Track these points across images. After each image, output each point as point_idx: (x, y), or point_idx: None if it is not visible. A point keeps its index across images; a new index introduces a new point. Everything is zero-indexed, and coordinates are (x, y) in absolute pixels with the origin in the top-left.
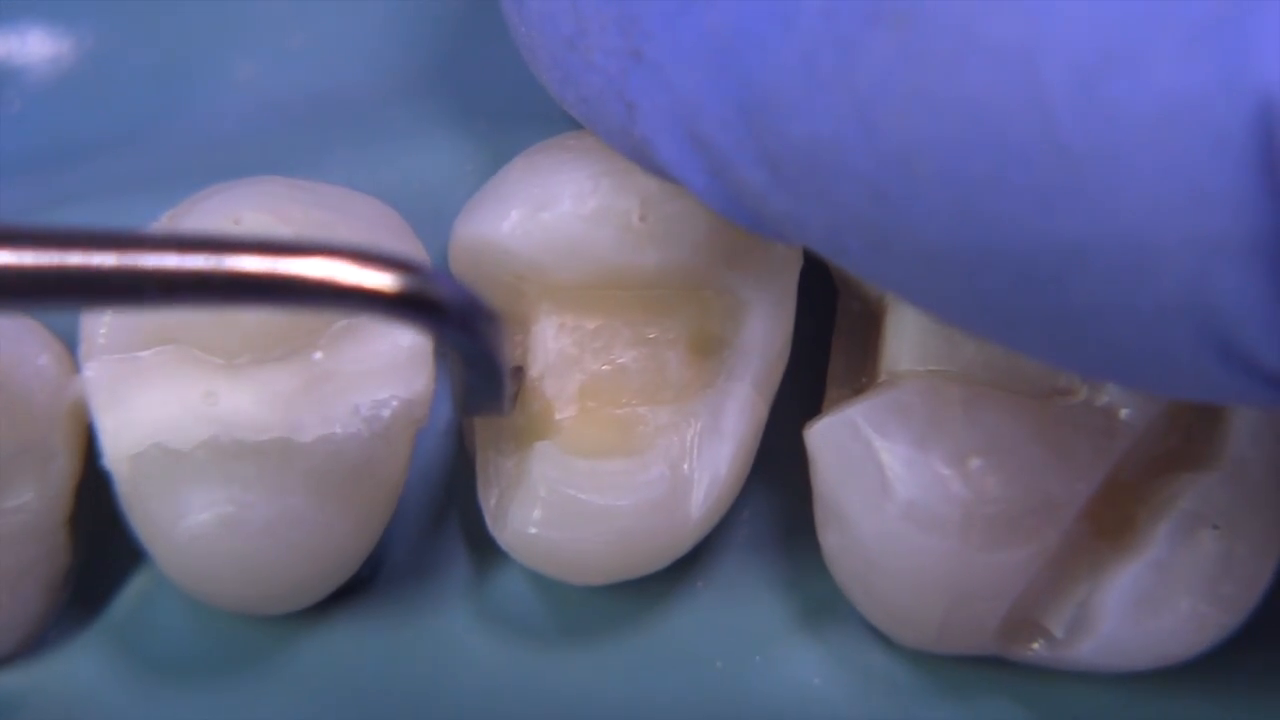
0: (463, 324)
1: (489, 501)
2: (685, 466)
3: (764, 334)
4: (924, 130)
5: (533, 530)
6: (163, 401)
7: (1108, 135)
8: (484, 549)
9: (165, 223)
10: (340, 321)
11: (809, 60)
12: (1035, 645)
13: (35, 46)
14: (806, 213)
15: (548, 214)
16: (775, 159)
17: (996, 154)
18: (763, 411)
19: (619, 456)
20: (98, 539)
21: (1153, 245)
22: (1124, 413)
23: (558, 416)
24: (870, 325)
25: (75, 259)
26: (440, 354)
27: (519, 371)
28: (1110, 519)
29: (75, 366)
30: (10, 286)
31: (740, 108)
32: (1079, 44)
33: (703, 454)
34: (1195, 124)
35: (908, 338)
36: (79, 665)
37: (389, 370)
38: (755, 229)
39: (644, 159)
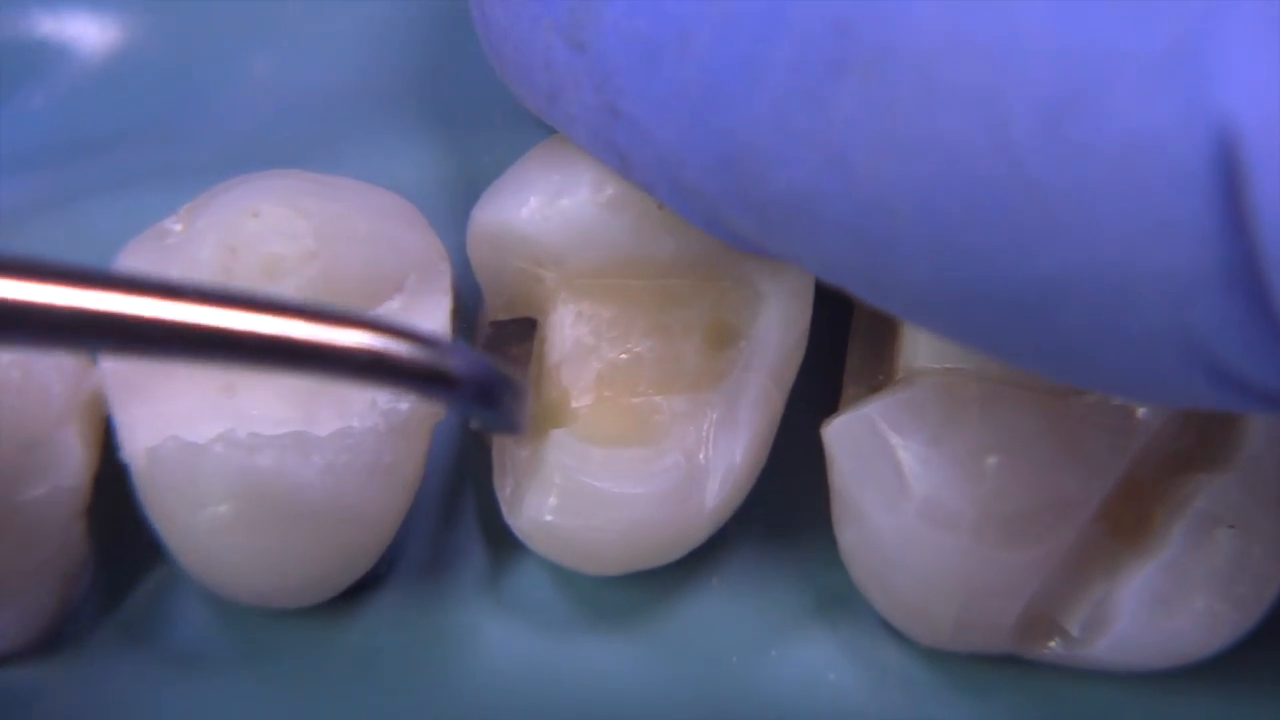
0: (479, 396)
1: (504, 490)
2: (701, 456)
3: (780, 326)
4: (899, 176)
5: (548, 518)
6: (180, 394)
7: (1075, 174)
8: (501, 542)
9: (184, 215)
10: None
11: (780, 113)
12: (1051, 644)
13: (55, 42)
14: (798, 254)
15: (566, 201)
16: (759, 208)
17: (970, 196)
18: (779, 403)
19: (635, 445)
20: (115, 532)
21: (1129, 278)
22: (1140, 411)
23: (574, 405)
24: (887, 322)
25: (98, 301)
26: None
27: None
28: (1126, 518)
29: (93, 359)
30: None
31: (720, 160)
32: (1041, 85)
33: (718, 444)
34: (1158, 160)
35: (924, 335)
36: (95, 657)
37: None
38: (765, 255)
39: (649, 195)
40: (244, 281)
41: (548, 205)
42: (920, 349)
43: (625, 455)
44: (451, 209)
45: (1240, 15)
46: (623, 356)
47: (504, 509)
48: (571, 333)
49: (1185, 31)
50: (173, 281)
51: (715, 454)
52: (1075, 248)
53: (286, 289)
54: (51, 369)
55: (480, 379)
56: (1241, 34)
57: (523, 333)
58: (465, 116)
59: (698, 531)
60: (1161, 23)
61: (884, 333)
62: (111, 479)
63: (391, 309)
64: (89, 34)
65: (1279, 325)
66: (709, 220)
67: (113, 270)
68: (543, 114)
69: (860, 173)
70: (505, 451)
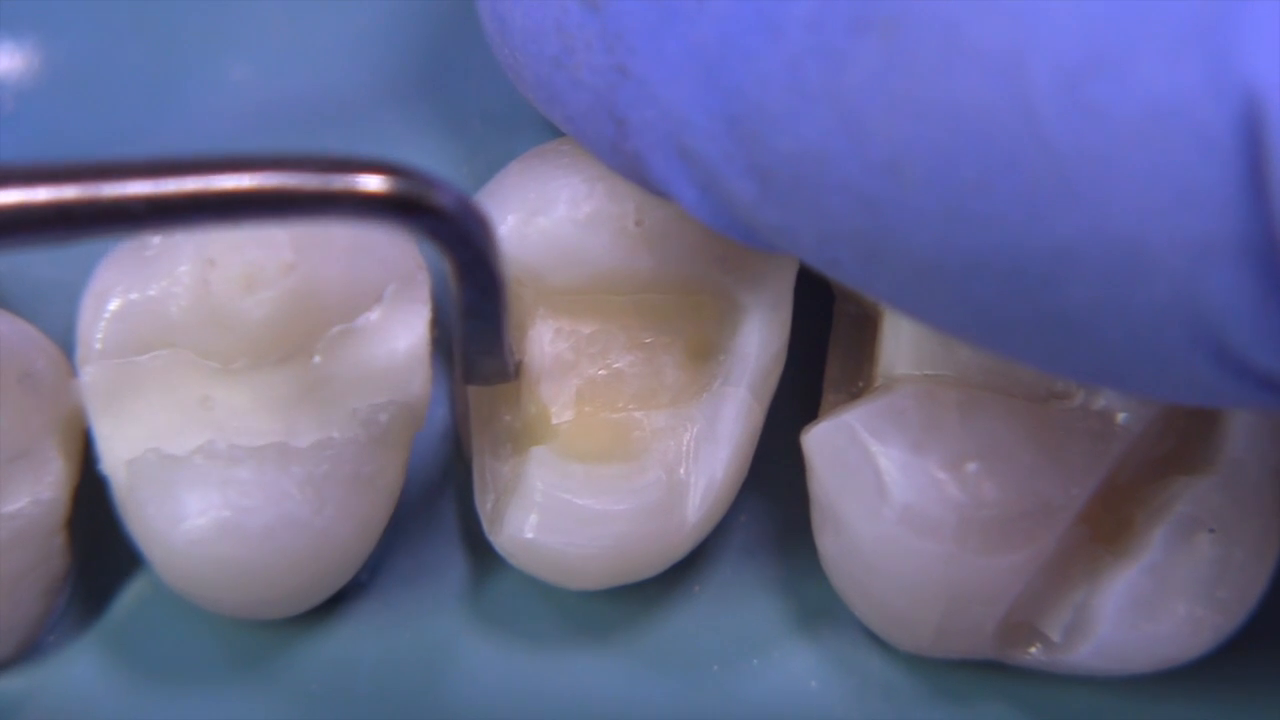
0: (456, 226)
1: (485, 506)
2: (681, 471)
3: (760, 338)
4: (912, 137)
5: (529, 535)
6: (160, 406)
7: (1095, 138)
8: (481, 553)
9: None
10: (337, 326)
11: (795, 71)
12: (1032, 649)
13: (29, 48)
14: (797, 224)
15: (543, 219)
16: (764, 171)
17: (985, 158)
18: (759, 416)
19: (615, 461)
20: (95, 544)
21: (1142, 247)
22: (1120, 416)
23: (554, 421)
24: (866, 330)
25: (69, 192)
26: (438, 357)
27: (519, 361)
28: (1107, 523)
29: (72, 371)
30: (18, 223)
31: (727, 120)
32: (1064, 47)
33: (699, 458)
34: (1181, 126)
35: (904, 342)
36: (76, 669)
37: (386, 374)
38: (748, 242)
39: (635, 175)
40: (223, 294)
41: (525, 224)
42: (900, 356)
43: (606, 471)
44: None
45: None
46: (602, 372)
47: (485, 525)
48: (551, 349)
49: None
50: (134, 161)
51: (696, 469)
52: (1089, 214)
53: (265, 300)
54: (30, 381)
55: (459, 208)
56: (1269, 3)
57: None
58: (449, 124)
59: (679, 546)
60: None
61: (864, 340)
62: (91, 491)
63: (370, 319)
64: (63, 41)
65: None
66: (702, 192)
67: (59, 160)
68: (541, 87)
69: (873, 133)
70: (486, 468)
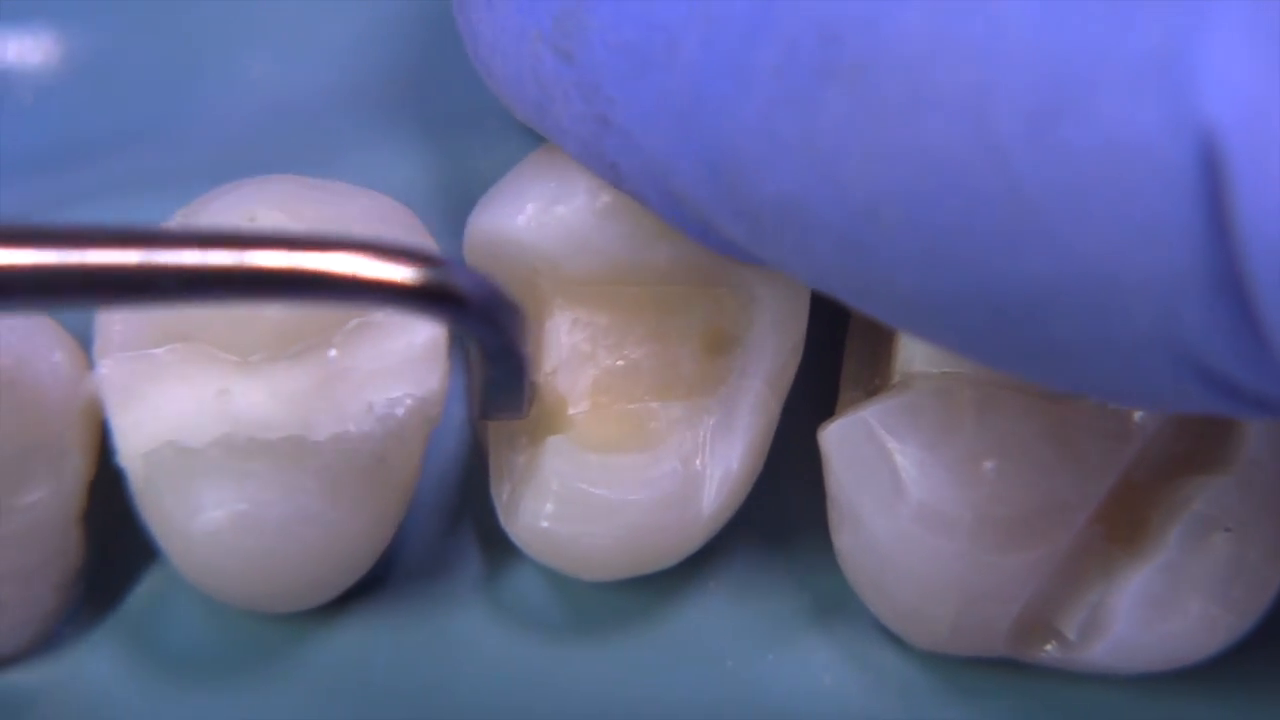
0: (484, 316)
1: (501, 496)
2: (697, 462)
3: (777, 331)
4: (887, 182)
5: (544, 524)
6: (176, 399)
7: (1062, 178)
8: (497, 547)
9: (179, 220)
10: (354, 319)
11: (768, 119)
12: (1047, 647)
13: (47, 43)
14: (788, 262)
15: (562, 208)
16: (750, 215)
17: (958, 201)
18: (775, 409)
19: (631, 451)
20: (111, 537)
21: (1117, 283)
22: (1137, 415)
23: (570, 411)
24: (884, 327)
25: (96, 257)
26: (455, 351)
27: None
28: (1122, 521)
29: (89, 364)
30: (31, 286)
31: (709, 167)
32: (1026, 89)
33: (715, 450)
34: (1143, 164)
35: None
36: (91, 663)
37: (403, 368)
38: (758, 264)
39: (641, 205)
40: None
41: (544, 212)
42: (917, 353)
43: (622, 461)
44: (447, 213)
45: (1225, 19)
46: (619, 363)
47: (501, 515)
48: (568, 339)
49: (1170, 35)
50: (166, 230)
51: (712, 460)
52: (1062, 252)
53: None
54: (47, 373)
55: (487, 298)
56: (1226, 38)
57: None
58: (462, 120)
59: (694, 538)
60: (1146, 26)
61: (881, 337)
62: (108, 484)
63: (386, 314)
64: (81, 37)
65: (1263, 331)
66: (701, 230)
67: (93, 224)
68: (533, 125)
69: (848, 179)
70: (502, 457)
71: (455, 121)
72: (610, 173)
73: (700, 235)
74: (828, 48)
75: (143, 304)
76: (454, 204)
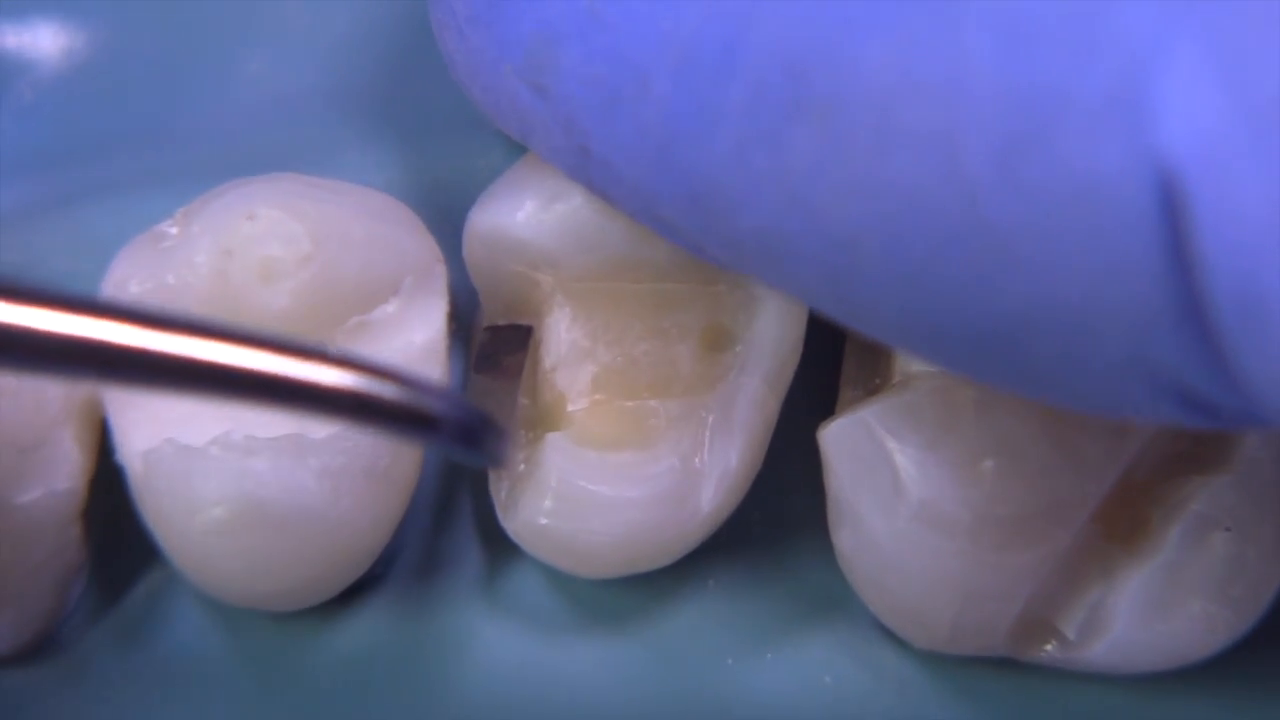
0: (460, 438)
1: (500, 493)
2: (696, 459)
3: (776, 329)
4: (861, 216)
5: (543, 521)
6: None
7: (1029, 215)
8: (497, 545)
9: (180, 218)
10: (354, 318)
11: (740, 155)
12: (1047, 646)
13: (48, 40)
14: (778, 285)
15: (562, 205)
16: (732, 244)
17: (931, 235)
18: (774, 407)
19: (630, 449)
20: (110, 534)
21: (1089, 314)
22: None
23: (569, 408)
24: None
25: (49, 322)
26: (455, 351)
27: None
28: (1122, 521)
29: None
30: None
31: (690, 198)
32: (991, 127)
33: (714, 447)
34: (1105, 201)
35: None
36: (91, 660)
37: (403, 366)
38: None
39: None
40: (240, 285)
41: (543, 209)
42: None
43: (621, 459)
44: (448, 211)
45: (1181, 56)
46: (618, 360)
47: (499, 512)
48: (567, 336)
49: (1127, 72)
50: (141, 309)
51: (711, 458)
52: (1035, 285)
53: (282, 292)
54: None
55: (462, 420)
56: (1182, 74)
57: (518, 339)
58: (459, 119)
59: (693, 535)
60: (1104, 64)
61: None
62: (107, 482)
63: (388, 312)
64: (81, 34)
65: (1231, 360)
66: (699, 251)
67: (87, 296)
68: (525, 144)
69: (822, 212)
70: None
71: (452, 120)
72: (602, 196)
73: (697, 253)
74: (795, 85)
75: (99, 380)
76: (454, 201)
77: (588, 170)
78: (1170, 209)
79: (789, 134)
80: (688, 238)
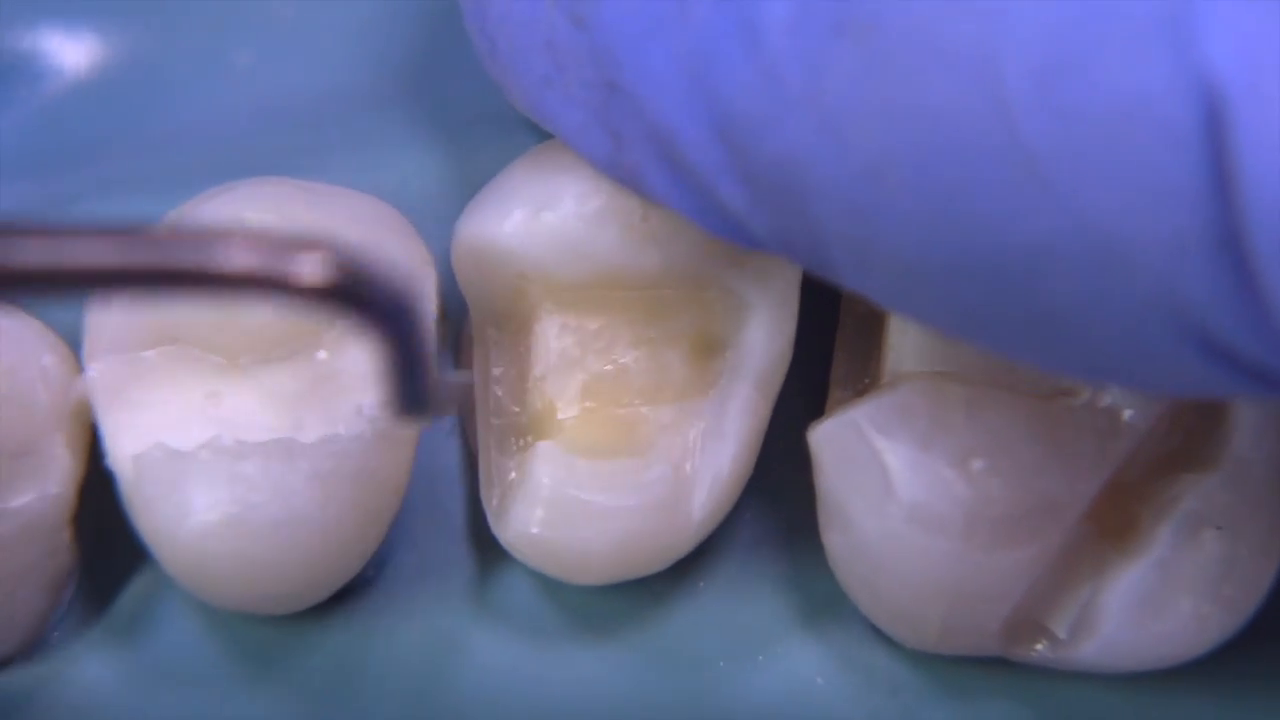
0: (388, 315)
1: (491, 501)
2: (687, 466)
3: (766, 335)
4: (891, 141)
5: (535, 530)
6: (166, 401)
7: (1067, 137)
8: (487, 549)
9: (170, 222)
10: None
11: (776, 77)
12: (1038, 646)
13: (43, 45)
14: (788, 229)
15: (550, 214)
16: (752, 177)
17: (962, 160)
18: (765, 412)
19: (621, 456)
20: (101, 539)
21: (1119, 243)
22: (1127, 414)
23: (560, 416)
24: (873, 326)
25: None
26: (445, 353)
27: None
28: (1113, 519)
29: (79, 366)
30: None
31: (714, 129)
32: (1034, 47)
33: (705, 454)
34: (1148, 123)
35: (910, 339)
36: (82, 665)
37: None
38: (751, 247)
39: (635, 186)
40: None
41: (531, 219)
42: (906, 352)
43: (612, 467)
44: (437, 215)
45: None
46: (608, 368)
47: (491, 521)
48: (557, 344)
49: None
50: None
51: (702, 464)
52: (1065, 210)
53: None
54: (37, 376)
55: (390, 296)
56: None
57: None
58: (452, 122)
59: (685, 542)
60: None
61: (870, 336)
62: (98, 486)
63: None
64: (71, 41)
65: (1261, 290)
66: (699, 205)
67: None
68: (534, 105)
69: (853, 139)
70: (492, 463)
71: (446, 122)
72: (613, 144)
73: (699, 212)
74: (839, 4)
75: (36, 296)
76: (444, 205)
77: (608, 110)
78: (1212, 130)
79: (829, 53)
80: (700, 180)
